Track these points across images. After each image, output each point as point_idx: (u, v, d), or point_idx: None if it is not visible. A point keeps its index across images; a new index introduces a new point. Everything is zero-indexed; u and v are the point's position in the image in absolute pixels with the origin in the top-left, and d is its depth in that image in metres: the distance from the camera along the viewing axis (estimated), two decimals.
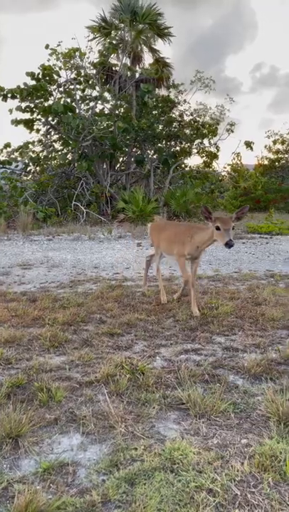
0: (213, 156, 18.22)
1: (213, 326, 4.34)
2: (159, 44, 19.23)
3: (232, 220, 4.17)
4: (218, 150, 18.08)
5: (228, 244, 4.05)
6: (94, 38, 17.67)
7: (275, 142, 28.88)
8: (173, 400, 2.82)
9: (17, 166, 16.52)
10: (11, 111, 15.00)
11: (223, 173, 20.08)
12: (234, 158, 20.10)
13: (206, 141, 17.91)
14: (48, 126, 16.44)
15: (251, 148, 16.98)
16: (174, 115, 17.74)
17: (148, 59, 18.78)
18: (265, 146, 29.12)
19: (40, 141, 16.69)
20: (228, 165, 21.07)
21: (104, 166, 16.89)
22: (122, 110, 17.30)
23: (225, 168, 20.31)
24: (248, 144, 17.07)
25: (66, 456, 2.26)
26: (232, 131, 17.19)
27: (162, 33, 18.06)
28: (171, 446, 2.27)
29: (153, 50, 18.40)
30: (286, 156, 29.03)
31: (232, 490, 1.97)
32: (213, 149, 17.99)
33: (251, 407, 2.78)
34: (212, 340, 4.01)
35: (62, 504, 1.88)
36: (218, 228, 4.15)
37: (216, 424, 2.58)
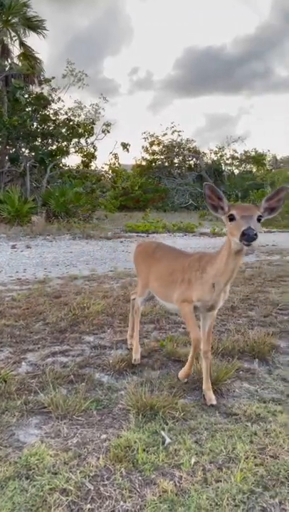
0: (91, 156, 18.32)
1: (83, 325, 4.38)
2: (31, 40, 18.63)
3: (259, 209, 2.56)
4: (95, 150, 18.24)
5: (246, 235, 2.35)
6: None
7: (151, 144, 30.19)
8: (35, 405, 2.78)
9: None
10: None
11: (102, 173, 20.28)
12: (111, 159, 20.48)
13: (82, 141, 17.93)
14: None
15: (127, 150, 17.49)
16: (48, 113, 17.39)
17: (18, 54, 18.08)
18: (143, 147, 30.31)
19: None
20: (106, 165, 21.38)
21: None
22: None
23: (103, 168, 20.55)
24: (124, 145, 17.55)
25: None
26: (108, 132, 17.49)
27: (33, 25, 17.51)
28: (28, 453, 2.24)
29: (24, 45, 17.79)
30: (162, 157, 30.54)
31: (85, 486, 2.02)
32: (90, 149, 18.07)
33: (114, 402, 2.87)
34: (81, 340, 4.05)
35: None
36: (231, 218, 2.53)
37: (77, 423, 2.61)
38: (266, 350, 3.68)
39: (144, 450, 2.28)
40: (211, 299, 2.88)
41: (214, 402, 2.88)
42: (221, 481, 2.06)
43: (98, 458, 2.23)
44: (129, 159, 34.91)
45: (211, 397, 2.91)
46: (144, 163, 30.08)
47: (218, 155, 31.94)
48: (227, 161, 32.68)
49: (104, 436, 2.48)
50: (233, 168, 33.60)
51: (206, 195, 2.66)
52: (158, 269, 3.40)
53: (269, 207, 2.61)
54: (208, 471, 2.14)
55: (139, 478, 2.09)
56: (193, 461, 2.21)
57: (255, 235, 2.35)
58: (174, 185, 27.93)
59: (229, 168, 33.18)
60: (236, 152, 32.67)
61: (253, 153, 32.98)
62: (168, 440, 2.40)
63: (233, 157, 32.78)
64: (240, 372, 3.34)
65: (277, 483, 2.05)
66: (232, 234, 2.53)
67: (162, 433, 2.47)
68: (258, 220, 2.50)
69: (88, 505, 1.90)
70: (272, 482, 2.05)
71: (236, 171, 33.72)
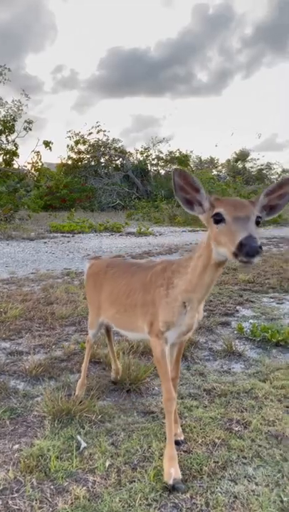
0: (13, 154, 17.62)
1: None
2: None
3: (255, 206, 1.82)
4: (16, 148, 17.56)
5: (247, 246, 1.59)
6: None
7: (77, 142, 29.79)
8: None
9: None
10: None
11: (25, 172, 19.59)
12: (34, 157, 19.84)
13: (3, 138, 17.20)
14: None
15: (50, 148, 17.00)
16: None
17: None
18: (68, 146, 29.81)
19: None
20: (28, 163, 20.67)
21: None
22: None
23: (25, 166, 19.85)
24: (47, 143, 17.05)
25: None
26: (30, 129, 16.97)
27: None
28: None
29: None
30: (88, 156, 30.26)
31: None
32: (11, 147, 17.38)
33: (29, 410, 2.76)
34: None
35: None
36: (219, 219, 1.77)
37: None
38: (185, 345, 3.74)
39: (57, 457, 2.21)
40: (184, 322, 2.16)
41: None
42: (134, 481, 2.06)
43: (8, 470, 2.12)
44: (55, 158, 34.21)
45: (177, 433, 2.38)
46: (69, 162, 29.62)
47: (144, 155, 32.36)
48: (153, 162, 33.23)
49: (16, 446, 2.37)
50: (159, 168, 34.23)
51: (177, 185, 1.86)
52: (112, 291, 2.65)
53: (268, 204, 1.90)
54: (123, 473, 2.12)
55: (51, 487, 2.02)
56: (107, 464, 2.19)
57: (260, 247, 1.61)
58: (101, 185, 27.78)
59: (155, 168, 33.75)
60: (162, 153, 33.32)
61: (178, 154, 33.83)
62: (83, 444, 2.35)
63: (158, 157, 33.38)
64: None
65: (190, 477, 2.09)
66: (219, 243, 1.78)
67: (78, 437, 2.41)
68: (257, 222, 1.75)
69: None
70: (184, 477, 2.08)
71: (162, 171, 34.39)
